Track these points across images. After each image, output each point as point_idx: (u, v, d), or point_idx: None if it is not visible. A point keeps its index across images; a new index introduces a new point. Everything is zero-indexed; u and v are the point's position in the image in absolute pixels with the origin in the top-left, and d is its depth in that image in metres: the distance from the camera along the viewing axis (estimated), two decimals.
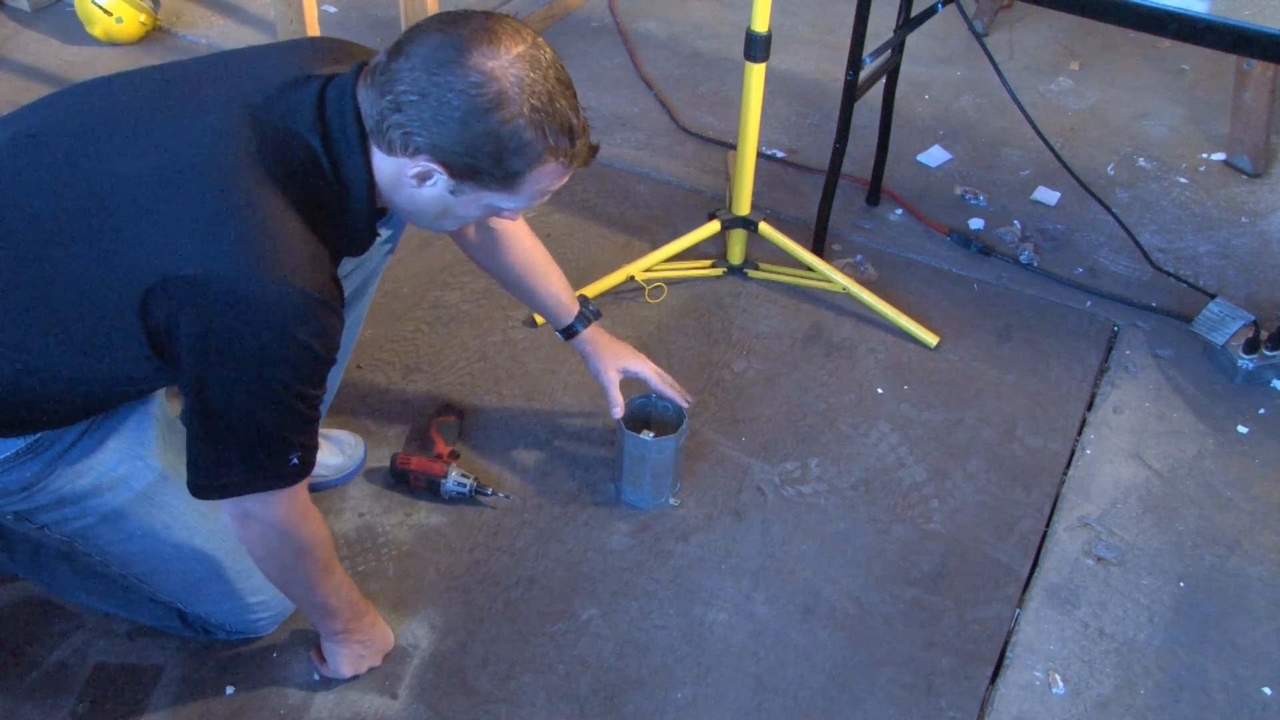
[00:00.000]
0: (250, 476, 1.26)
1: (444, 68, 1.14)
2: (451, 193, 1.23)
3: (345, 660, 1.55)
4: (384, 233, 1.55)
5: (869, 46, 2.07)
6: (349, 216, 1.27)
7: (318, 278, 1.20)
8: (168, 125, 1.20)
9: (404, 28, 2.77)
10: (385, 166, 1.24)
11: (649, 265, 2.22)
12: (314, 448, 1.29)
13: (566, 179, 1.26)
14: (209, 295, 1.14)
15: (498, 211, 1.29)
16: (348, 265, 1.63)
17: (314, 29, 2.69)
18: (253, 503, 1.28)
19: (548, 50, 1.20)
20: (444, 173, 1.20)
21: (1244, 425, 2.01)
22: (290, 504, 1.31)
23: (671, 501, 1.83)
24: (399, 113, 1.16)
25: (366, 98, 1.20)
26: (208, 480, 1.26)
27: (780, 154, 2.65)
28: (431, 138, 1.16)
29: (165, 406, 1.48)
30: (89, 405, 1.34)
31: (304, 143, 1.21)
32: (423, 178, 1.21)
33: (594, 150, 1.26)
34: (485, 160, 1.18)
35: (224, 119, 1.19)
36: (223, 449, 1.24)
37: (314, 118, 1.21)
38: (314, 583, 1.42)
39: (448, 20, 1.18)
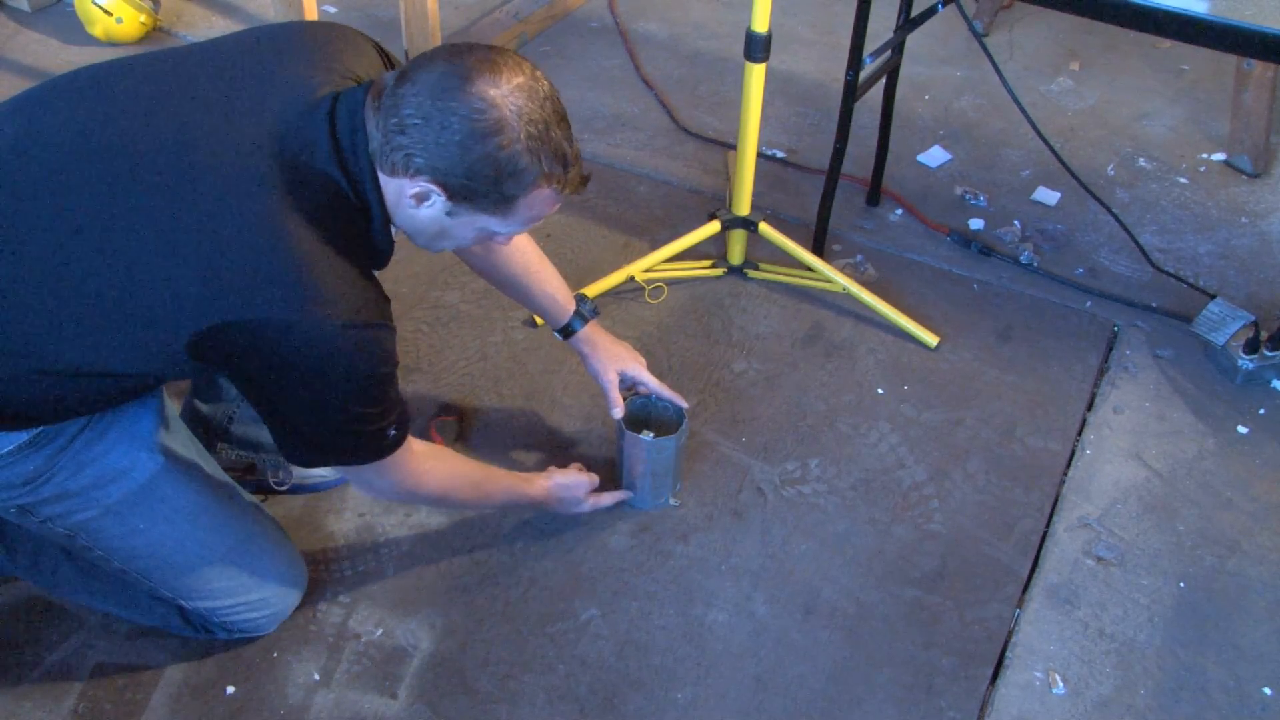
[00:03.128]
0: (350, 457, 1.38)
1: (447, 94, 1.19)
2: (448, 214, 1.28)
3: (567, 511, 1.75)
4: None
5: (869, 46, 2.07)
6: (374, 235, 1.32)
7: (367, 304, 1.26)
8: (196, 162, 1.21)
9: (404, 28, 2.79)
10: (387, 187, 1.28)
11: (649, 265, 2.22)
12: (405, 413, 1.39)
13: (558, 206, 1.32)
14: (266, 342, 1.21)
15: (491, 235, 1.35)
16: None
17: None
18: (367, 474, 1.41)
19: (545, 83, 1.26)
20: (442, 194, 1.24)
21: (1244, 425, 2.01)
22: (402, 465, 1.42)
23: (671, 502, 1.83)
24: (402, 135, 1.21)
25: (372, 120, 1.24)
26: (307, 460, 1.38)
27: (780, 154, 2.65)
28: (432, 159, 1.21)
29: (167, 400, 1.48)
30: (99, 399, 1.34)
31: (326, 175, 1.25)
32: (421, 198, 1.25)
33: (585, 179, 1.32)
34: (482, 183, 1.22)
35: (253, 159, 1.21)
36: (317, 445, 1.35)
37: (330, 148, 1.24)
38: (471, 504, 1.72)
39: (453, 51, 1.23)
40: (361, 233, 1.30)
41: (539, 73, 1.25)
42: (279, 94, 1.26)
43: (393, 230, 1.36)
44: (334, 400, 1.28)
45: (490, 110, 1.19)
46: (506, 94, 1.20)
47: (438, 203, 1.25)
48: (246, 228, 1.19)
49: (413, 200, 1.26)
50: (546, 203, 1.29)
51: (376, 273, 1.35)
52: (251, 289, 1.19)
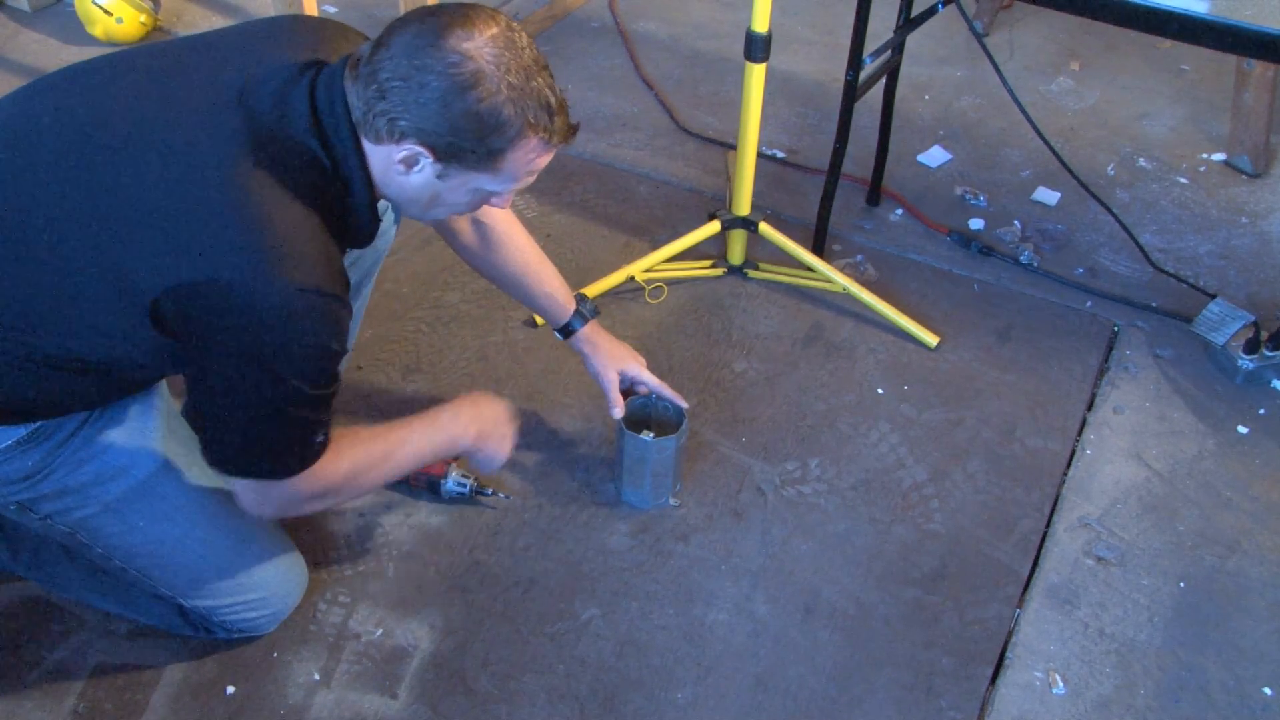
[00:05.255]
0: (276, 465, 1.30)
1: (422, 52, 1.18)
2: (439, 177, 1.26)
3: (488, 458, 1.61)
4: (384, 218, 1.58)
5: (869, 47, 2.06)
6: (353, 209, 1.30)
7: (325, 273, 1.23)
8: (168, 134, 1.21)
9: None
10: (375, 157, 1.26)
11: (649, 265, 2.22)
12: (331, 419, 1.32)
13: (549, 158, 1.29)
14: (220, 301, 1.17)
15: (487, 197, 1.32)
16: (347, 258, 1.64)
17: None
18: (274, 489, 1.33)
19: (522, 34, 1.24)
20: (429, 155, 1.22)
21: (1244, 425, 2.01)
22: (308, 477, 1.33)
23: (671, 502, 1.83)
24: (383, 100, 1.20)
25: (353, 91, 1.23)
26: (231, 465, 1.31)
27: (780, 154, 2.65)
28: (414, 120, 1.20)
29: (168, 398, 1.48)
30: (92, 393, 1.34)
31: (303, 146, 1.23)
32: (409, 163, 1.24)
33: (574, 128, 1.29)
34: (467, 139, 1.21)
35: (225, 128, 1.21)
36: (248, 442, 1.28)
37: (309, 119, 1.23)
38: (377, 481, 1.50)
39: (425, 11, 1.22)
40: (339, 205, 1.28)
41: (514, 23, 1.24)
42: (261, 70, 1.26)
43: (381, 208, 1.34)
44: (280, 370, 1.22)
45: (466, 63, 1.17)
46: (481, 45, 1.18)
47: (426, 166, 1.24)
48: (212, 192, 1.18)
49: (401, 166, 1.24)
50: (536, 154, 1.26)
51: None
52: (212, 248, 1.17)
